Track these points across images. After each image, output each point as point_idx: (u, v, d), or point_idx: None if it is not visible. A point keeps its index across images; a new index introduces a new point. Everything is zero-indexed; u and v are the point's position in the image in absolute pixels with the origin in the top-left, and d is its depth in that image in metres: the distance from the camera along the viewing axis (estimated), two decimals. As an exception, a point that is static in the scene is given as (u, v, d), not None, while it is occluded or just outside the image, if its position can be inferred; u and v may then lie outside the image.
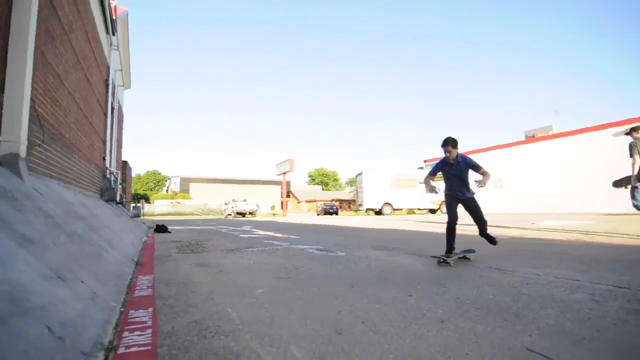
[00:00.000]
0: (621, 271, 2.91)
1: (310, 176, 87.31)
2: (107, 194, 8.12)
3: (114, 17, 8.63)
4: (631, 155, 5.24)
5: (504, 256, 3.87)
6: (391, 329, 1.59)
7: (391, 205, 20.73)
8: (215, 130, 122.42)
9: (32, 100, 3.23)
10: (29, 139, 3.16)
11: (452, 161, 3.68)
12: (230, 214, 29.16)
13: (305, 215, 33.72)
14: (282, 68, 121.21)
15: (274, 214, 34.61)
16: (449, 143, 3.62)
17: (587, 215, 14.00)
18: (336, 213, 28.89)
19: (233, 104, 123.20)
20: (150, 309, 1.83)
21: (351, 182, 67.04)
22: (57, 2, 4.16)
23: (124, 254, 3.61)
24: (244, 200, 29.83)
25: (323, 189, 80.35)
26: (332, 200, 44.61)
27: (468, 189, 3.76)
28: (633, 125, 5.41)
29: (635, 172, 5.07)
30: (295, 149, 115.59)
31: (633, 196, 5.19)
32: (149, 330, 1.49)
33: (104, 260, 2.70)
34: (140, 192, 66.53)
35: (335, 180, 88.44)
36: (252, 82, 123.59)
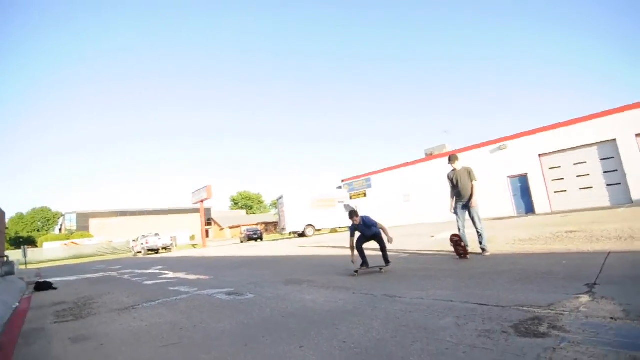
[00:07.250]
0: (487, 285, 3.41)
1: (233, 200, 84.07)
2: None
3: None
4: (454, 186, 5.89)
5: (400, 277, 4.23)
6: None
7: (313, 227, 21.08)
8: (119, 161, 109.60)
9: None
10: None
11: (358, 224, 5.07)
12: (140, 252, 26.11)
13: (227, 243, 32.11)
14: (190, 88, 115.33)
15: (193, 245, 32.17)
16: (353, 215, 5.03)
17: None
18: (260, 238, 28.19)
19: (136, 132, 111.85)
20: None
21: (275, 204, 66.60)
22: None
23: (-31, 340, 2.92)
24: (156, 234, 26.93)
25: (247, 213, 78.02)
26: (257, 224, 43.57)
27: (372, 230, 5.07)
28: (450, 154, 5.96)
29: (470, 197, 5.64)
30: (215, 174, 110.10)
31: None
32: None
33: None
34: (24, 234, 55.58)
35: (260, 202, 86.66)
36: (161, 106, 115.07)
